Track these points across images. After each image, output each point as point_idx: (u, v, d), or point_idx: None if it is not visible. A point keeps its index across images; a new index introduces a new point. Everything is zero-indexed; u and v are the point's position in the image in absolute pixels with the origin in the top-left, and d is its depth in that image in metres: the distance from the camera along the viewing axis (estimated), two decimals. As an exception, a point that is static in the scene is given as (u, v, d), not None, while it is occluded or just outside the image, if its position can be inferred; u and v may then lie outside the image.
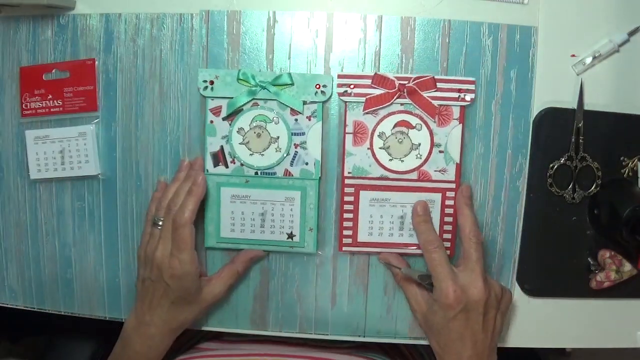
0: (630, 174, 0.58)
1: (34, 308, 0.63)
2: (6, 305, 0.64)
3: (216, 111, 0.57)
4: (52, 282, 0.62)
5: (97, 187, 0.60)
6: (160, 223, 0.54)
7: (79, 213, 0.61)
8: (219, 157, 0.57)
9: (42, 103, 0.59)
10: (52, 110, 0.59)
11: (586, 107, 0.56)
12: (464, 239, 0.53)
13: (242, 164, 0.57)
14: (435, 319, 0.52)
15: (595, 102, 0.56)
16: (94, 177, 0.60)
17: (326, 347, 0.63)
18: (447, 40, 0.56)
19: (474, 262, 0.51)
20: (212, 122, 0.57)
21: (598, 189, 0.57)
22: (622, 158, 0.57)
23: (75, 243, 0.61)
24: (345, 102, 0.56)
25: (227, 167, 0.58)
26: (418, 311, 0.55)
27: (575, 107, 0.56)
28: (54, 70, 0.59)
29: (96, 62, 0.58)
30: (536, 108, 0.56)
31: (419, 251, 0.57)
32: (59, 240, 0.62)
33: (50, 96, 0.59)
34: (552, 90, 0.56)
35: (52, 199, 0.61)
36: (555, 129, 0.56)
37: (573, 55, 0.56)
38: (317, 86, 0.56)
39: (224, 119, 0.57)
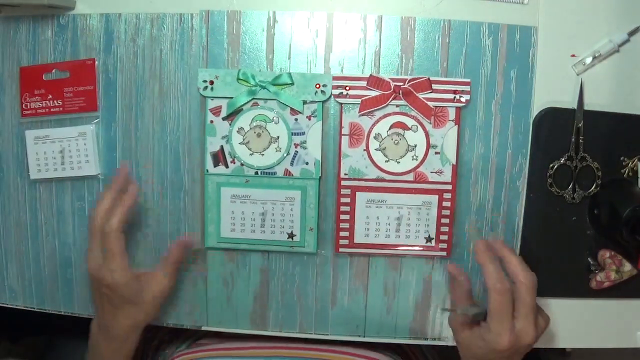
0: (630, 174, 0.58)
1: (34, 308, 0.63)
2: (6, 305, 0.64)
3: (216, 111, 0.57)
4: (52, 282, 0.62)
5: (97, 187, 0.60)
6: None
7: (79, 213, 0.61)
8: (219, 157, 0.57)
9: (42, 103, 0.59)
10: (52, 110, 0.59)
11: (586, 107, 0.56)
12: (517, 285, 0.49)
13: (242, 164, 0.57)
14: (482, 352, 0.51)
15: (595, 102, 0.56)
16: (94, 177, 0.60)
17: (331, 343, 0.63)
18: (447, 40, 0.56)
19: (529, 308, 0.48)
20: (212, 122, 0.57)
21: (598, 189, 0.57)
22: (622, 158, 0.57)
23: (75, 243, 0.61)
24: (341, 103, 0.56)
25: (227, 167, 0.58)
26: (465, 351, 0.54)
27: (575, 107, 0.56)
28: (54, 70, 0.59)
29: (96, 62, 0.58)
30: (536, 108, 0.56)
31: (413, 252, 0.57)
32: (59, 240, 0.62)
33: (50, 96, 0.59)
34: (552, 90, 0.56)
35: (52, 199, 0.61)
36: (555, 129, 0.56)
37: (573, 55, 0.56)
38: (317, 86, 0.56)
39: (224, 118, 0.57)
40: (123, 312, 0.53)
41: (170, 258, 0.56)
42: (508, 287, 0.48)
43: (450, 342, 0.61)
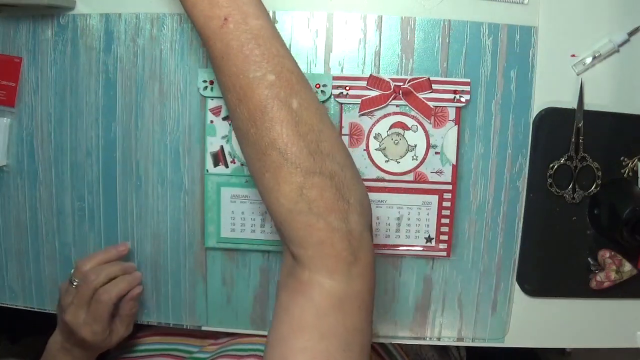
0: (630, 174, 0.58)
1: (34, 308, 0.63)
2: (6, 305, 0.64)
3: (216, 111, 0.57)
4: (52, 282, 0.62)
5: (97, 187, 0.60)
6: (75, 284, 0.54)
7: (79, 213, 0.61)
8: (219, 157, 0.57)
9: None
10: None
11: (586, 107, 0.56)
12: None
13: (242, 164, 0.57)
14: None
15: (595, 102, 0.56)
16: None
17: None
18: (447, 40, 0.56)
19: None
20: (212, 122, 0.57)
21: (598, 189, 0.57)
22: (622, 158, 0.57)
23: (75, 243, 0.61)
24: (341, 103, 0.56)
25: (227, 167, 0.58)
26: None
27: (575, 107, 0.56)
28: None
29: (22, 62, 0.58)
30: (536, 108, 0.56)
31: (413, 252, 0.57)
32: (59, 240, 0.62)
33: None
34: (552, 90, 0.56)
35: (52, 199, 0.61)
36: (555, 129, 0.56)
37: (573, 55, 0.56)
38: (317, 86, 0.56)
39: (224, 118, 0.57)
40: (87, 351, 0.55)
41: (125, 311, 0.57)
42: None
43: (451, 342, 0.61)
